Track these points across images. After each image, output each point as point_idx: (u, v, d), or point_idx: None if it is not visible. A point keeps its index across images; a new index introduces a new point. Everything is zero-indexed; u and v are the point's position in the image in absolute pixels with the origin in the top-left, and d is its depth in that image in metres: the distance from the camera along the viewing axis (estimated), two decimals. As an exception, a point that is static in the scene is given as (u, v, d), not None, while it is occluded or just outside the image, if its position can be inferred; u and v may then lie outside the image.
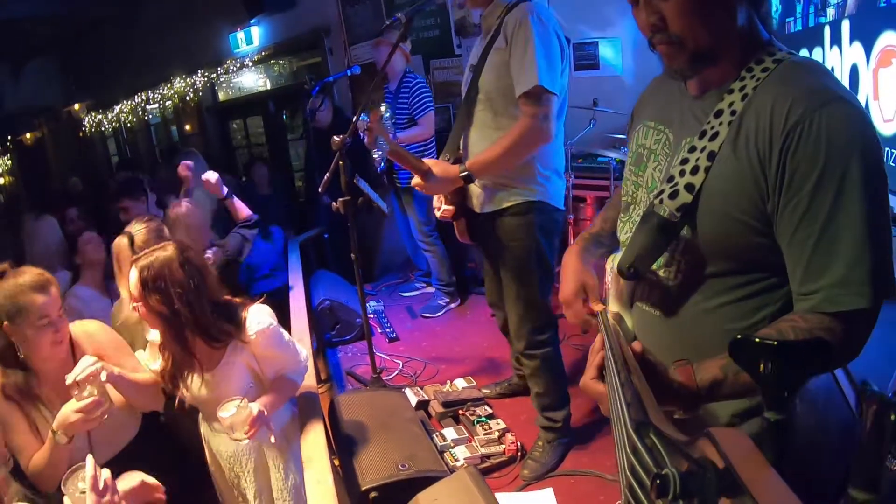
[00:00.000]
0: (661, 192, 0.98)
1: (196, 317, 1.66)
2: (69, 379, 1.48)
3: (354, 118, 2.20)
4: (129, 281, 1.66)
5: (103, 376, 1.55)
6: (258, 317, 1.77)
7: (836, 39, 2.10)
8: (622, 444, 0.77)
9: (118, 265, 2.20)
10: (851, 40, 1.99)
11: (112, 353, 1.78)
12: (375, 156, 2.04)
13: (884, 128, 1.80)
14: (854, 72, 1.95)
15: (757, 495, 0.62)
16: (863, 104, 1.88)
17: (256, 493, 1.81)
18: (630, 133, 1.20)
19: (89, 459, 1.13)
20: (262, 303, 1.85)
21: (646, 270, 1.01)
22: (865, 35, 1.89)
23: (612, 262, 1.20)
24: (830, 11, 2.19)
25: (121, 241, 2.19)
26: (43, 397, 1.64)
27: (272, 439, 1.70)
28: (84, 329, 1.79)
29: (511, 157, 2.04)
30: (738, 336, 0.74)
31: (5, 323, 1.58)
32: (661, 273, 1.03)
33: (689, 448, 0.68)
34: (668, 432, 0.71)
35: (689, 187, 0.94)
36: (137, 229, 2.20)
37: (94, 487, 1.10)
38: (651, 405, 0.80)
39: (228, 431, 1.65)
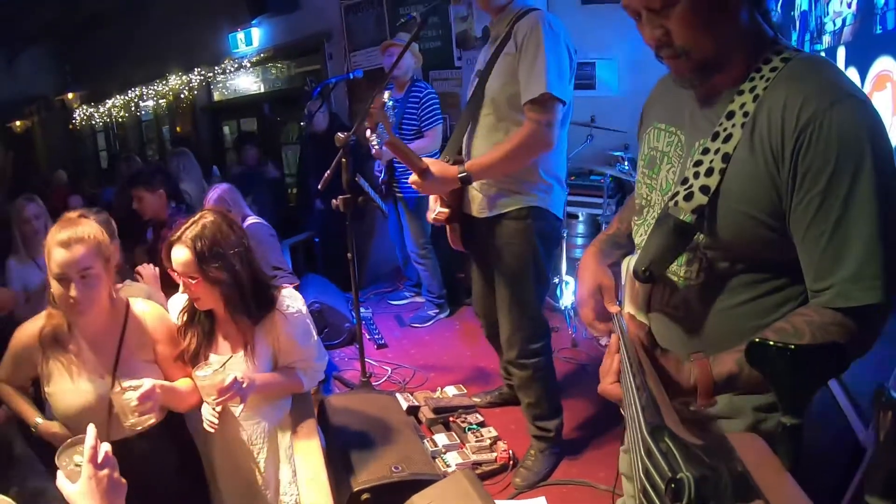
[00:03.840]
0: (676, 194, 0.98)
1: (254, 275, 1.67)
2: (131, 395, 1.47)
3: (370, 104, 2.16)
4: (177, 260, 1.61)
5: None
6: (292, 300, 1.76)
7: (832, 66, 2.15)
8: (637, 447, 0.76)
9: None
10: (847, 66, 2.04)
11: (164, 342, 1.72)
12: (374, 142, 2.03)
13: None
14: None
15: (773, 500, 0.61)
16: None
17: (265, 482, 1.75)
18: (640, 135, 1.20)
19: (90, 430, 1.07)
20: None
21: (661, 273, 1.01)
22: (861, 61, 1.93)
23: (628, 265, 1.19)
24: (826, 39, 2.24)
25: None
26: (73, 350, 1.60)
27: (238, 411, 1.68)
28: (144, 311, 1.72)
29: (512, 161, 2.04)
30: (756, 340, 0.74)
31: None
32: (682, 273, 1.03)
33: (705, 452, 0.68)
34: (683, 436, 0.71)
35: (704, 189, 0.94)
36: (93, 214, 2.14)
37: (92, 459, 1.05)
38: (666, 408, 0.79)
39: (201, 392, 1.66)
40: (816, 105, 0.86)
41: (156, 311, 1.75)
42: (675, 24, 0.91)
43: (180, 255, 1.61)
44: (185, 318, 1.76)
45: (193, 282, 1.62)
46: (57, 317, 1.60)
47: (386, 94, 2.01)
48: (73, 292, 1.50)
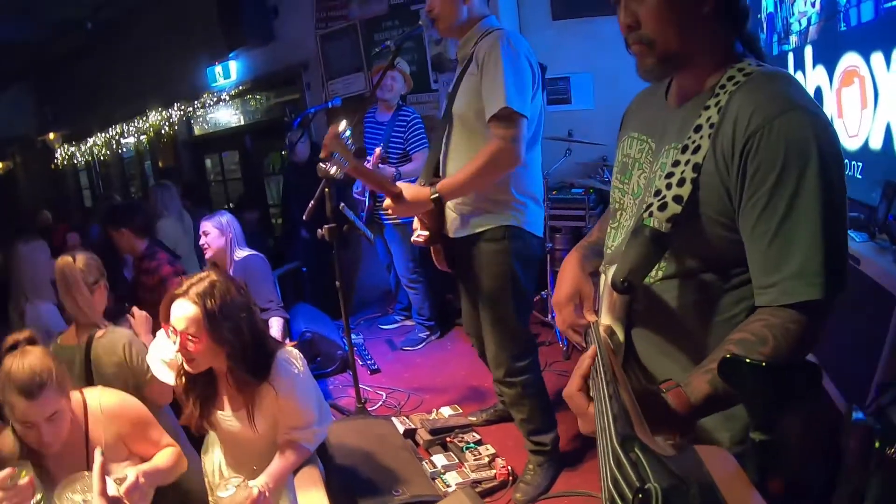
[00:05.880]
0: (650, 205, 1.01)
1: (258, 339, 1.61)
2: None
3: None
4: (180, 316, 1.53)
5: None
6: (291, 363, 1.70)
7: (799, 65, 2.22)
8: (606, 457, 0.77)
9: (66, 284, 2.01)
10: (814, 64, 2.11)
11: (132, 432, 1.63)
12: (332, 171, 2.00)
13: (849, 143, 1.89)
14: (818, 94, 2.05)
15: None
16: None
17: None
18: (618, 144, 1.25)
19: (97, 456, 1.02)
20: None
21: (640, 283, 1.03)
22: (828, 58, 2.00)
23: (606, 276, 1.22)
24: (793, 39, 2.33)
25: (67, 259, 2.01)
26: (51, 472, 1.50)
27: None
28: (101, 404, 1.62)
29: (480, 178, 2.02)
30: (728, 356, 0.76)
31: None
32: (656, 281, 1.06)
33: (674, 464, 0.68)
34: (653, 447, 0.72)
35: (677, 199, 0.98)
36: (80, 252, 2.09)
37: (102, 492, 1.00)
38: (637, 420, 0.80)
39: None
40: (766, 114, 0.91)
41: (114, 399, 1.66)
42: (645, 13, 0.98)
43: (186, 310, 1.52)
44: (183, 382, 1.69)
45: (194, 341, 1.52)
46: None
47: (343, 124, 1.95)
48: (44, 438, 1.43)
